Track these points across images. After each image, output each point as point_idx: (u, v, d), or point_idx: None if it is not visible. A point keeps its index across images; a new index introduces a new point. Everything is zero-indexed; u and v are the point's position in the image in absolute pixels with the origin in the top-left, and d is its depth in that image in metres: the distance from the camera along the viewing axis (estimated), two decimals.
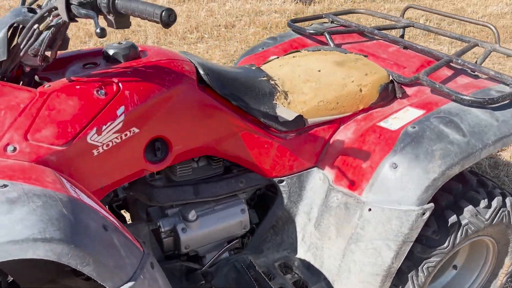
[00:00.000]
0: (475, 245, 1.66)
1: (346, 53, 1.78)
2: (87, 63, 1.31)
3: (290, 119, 1.49)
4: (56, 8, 1.03)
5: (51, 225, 0.84)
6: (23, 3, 1.30)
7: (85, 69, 1.29)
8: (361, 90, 1.58)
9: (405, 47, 1.87)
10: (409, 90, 1.65)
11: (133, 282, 0.92)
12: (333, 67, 1.67)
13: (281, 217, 1.62)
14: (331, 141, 1.58)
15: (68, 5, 0.97)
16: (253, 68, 1.64)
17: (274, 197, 1.64)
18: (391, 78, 1.63)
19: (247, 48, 4.67)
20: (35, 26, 1.10)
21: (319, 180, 1.57)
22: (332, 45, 1.90)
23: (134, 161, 1.27)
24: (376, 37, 2.00)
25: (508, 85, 1.52)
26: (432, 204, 1.30)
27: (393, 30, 2.13)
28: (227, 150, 1.47)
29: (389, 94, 1.62)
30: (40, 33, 1.10)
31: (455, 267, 1.80)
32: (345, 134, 1.56)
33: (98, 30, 0.93)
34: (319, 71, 1.65)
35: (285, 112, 1.50)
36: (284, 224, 1.64)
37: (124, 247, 0.95)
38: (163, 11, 0.92)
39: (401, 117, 1.46)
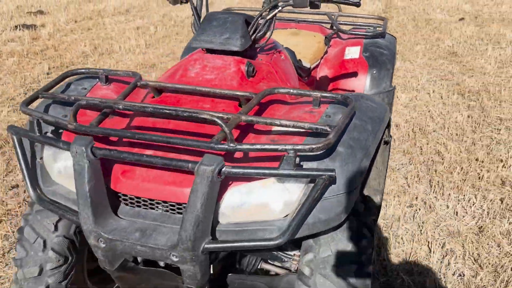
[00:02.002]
0: None
1: (286, 29, 2.75)
2: None
3: (309, 67, 2.41)
4: (289, 1, 1.66)
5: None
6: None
7: None
8: (319, 46, 2.62)
9: (299, 22, 2.97)
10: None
11: None
12: (294, 37, 2.63)
13: None
14: (317, 78, 2.57)
15: None
16: None
17: None
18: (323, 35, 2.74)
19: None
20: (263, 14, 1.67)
21: None
22: None
23: None
24: None
25: (375, 28, 2.85)
26: (395, 85, 2.54)
27: None
28: None
29: (325, 45, 2.73)
30: (266, 21, 1.68)
31: None
32: (324, 72, 2.58)
33: (358, 2, 1.67)
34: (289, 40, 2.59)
35: (306, 64, 2.41)
36: None
37: None
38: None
39: (351, 52, 2.60)
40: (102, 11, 7.78)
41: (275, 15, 1.70)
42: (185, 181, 1.25)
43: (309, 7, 1.69)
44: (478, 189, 2.91)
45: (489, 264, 2.28)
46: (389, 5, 9.23)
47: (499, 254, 2.35)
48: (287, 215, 1.25)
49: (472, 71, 5.30)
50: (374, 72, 2.44)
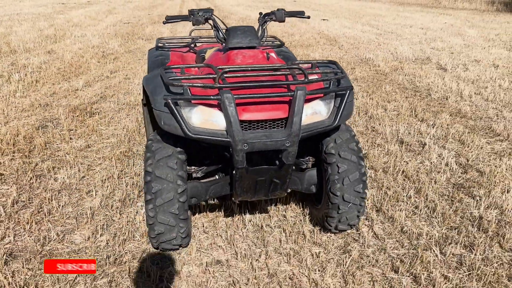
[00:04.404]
0: None
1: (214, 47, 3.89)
2: None
3: None
4: (273, 18, 2.89)
5: None
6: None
7: None
8: None
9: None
10: None
11: None
12: None
13: None
14: None
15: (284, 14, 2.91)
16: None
17: None
18: None
19: None
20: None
21: None
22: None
23: None
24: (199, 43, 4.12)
25: (273, 42, 4.20)
26: None
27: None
28: None
29: None
30: (262, 30, 2.87)
31: None
32: None
33: (309, 16, 2.94)
34: None
35: None
36: None
37: None
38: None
39: (271, 56, 3.89)
40: None
41: (266, 26, 2.93)
42: (280, 108, 2.35)
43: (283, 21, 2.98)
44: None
45: (380, 168, 3.84)
46: None
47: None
48: (329, 116, 2.46)
49: None
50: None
